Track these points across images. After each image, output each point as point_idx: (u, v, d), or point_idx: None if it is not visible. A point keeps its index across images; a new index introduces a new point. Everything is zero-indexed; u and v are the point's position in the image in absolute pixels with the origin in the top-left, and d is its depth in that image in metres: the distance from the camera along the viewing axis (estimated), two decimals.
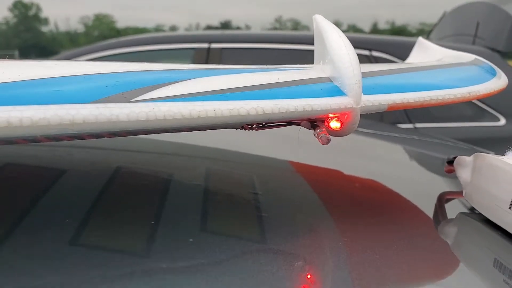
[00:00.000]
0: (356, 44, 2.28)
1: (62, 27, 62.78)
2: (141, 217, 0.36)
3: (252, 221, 0.37)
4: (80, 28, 61.13)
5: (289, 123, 0.36)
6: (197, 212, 0.37)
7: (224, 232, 0.35)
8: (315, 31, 0.40)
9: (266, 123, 0.35)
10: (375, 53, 2.03)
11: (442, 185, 0.50)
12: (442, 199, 0.45)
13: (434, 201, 0.43)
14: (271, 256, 0.31)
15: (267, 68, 0.36)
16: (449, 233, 0.40)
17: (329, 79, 0.34)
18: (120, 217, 0.36)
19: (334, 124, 0.34)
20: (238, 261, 0.30)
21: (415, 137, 0.90)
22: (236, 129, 0.35)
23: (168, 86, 0.28)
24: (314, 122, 0.35)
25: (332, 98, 0.33)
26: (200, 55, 2.09)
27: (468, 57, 0.51)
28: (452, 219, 0.42)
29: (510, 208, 0.34)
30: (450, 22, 2.60)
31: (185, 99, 0.28)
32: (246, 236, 0.34)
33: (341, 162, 0.52)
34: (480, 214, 0.39)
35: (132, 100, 0.26)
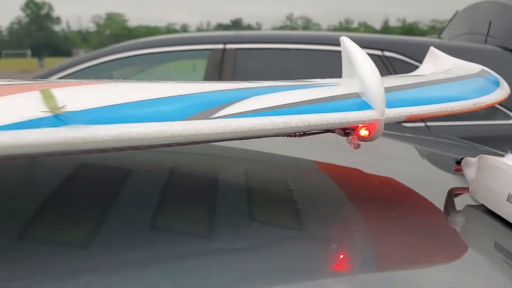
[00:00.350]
0: (368, 44, 2.30)
1: (74, 26, 63.25)
2: (202, 208, 0.43)
3: (290, 212, 0.44)
4: (92, 27, 61.52)
5: (326, 130, 0.42)
6: (246, 204, 0.45)
7: (267, 220, 0.41)
8: (342, 51, 0.45)
9: (307, 131, 0.42)
10: (387, 53, 2.05)
11: (451, 182, 0.56)
12: (451, 194, 0.51)
13: (444, 195, 0.49)
14: (309, 240, 0.38)
15: (307, 84, 0.43)
16: (457, 221, 0.46)
17: (357, 95, 0.41)
18: (188, 208, 0.43)
19: (363, 132, 0.41)
20: (282, 243, 0.37)
21: (425, 137, 0.96)
22: (283, 136, 0.41)
23: (234, 104, 0.35)
24: (346, 130, 0.42)
25: (362, 111, 0.40)
26: (215, 55, 2.13)
27: (476, 68, 0.57)
28: (460, 210, 0.48)
29: (507, 200, 0.40)
30: (462, 21, 2.61)
31: (249, 115, 0.35)
32: (285, 224, 0.41)
33: (360, 161, 0.58)
34: (483, 206, 0.45)
35: (211, 117, 0.34)
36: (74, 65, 2.18)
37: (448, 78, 0.53)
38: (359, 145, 0.40)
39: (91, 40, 52.63)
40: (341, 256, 0.36)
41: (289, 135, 0.42)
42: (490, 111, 1.91)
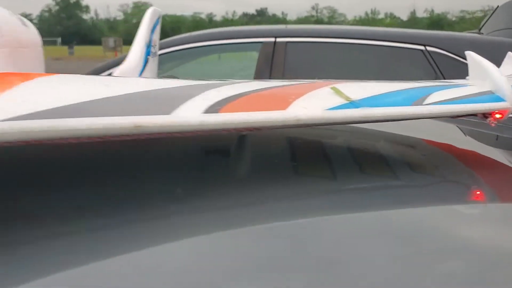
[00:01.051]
0: (411, 39, 2.37)
1: (102, 15, 63.91)
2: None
3: (430, 166, 0.61)
4: (120, 16, 62.07)
5: (471, 114, 0.59)
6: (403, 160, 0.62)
7: (418, 170, 0.59)
8: (470, 62, 0.64)
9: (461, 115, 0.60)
10: (429, 48, 2.16)
11: None
12: None
13: None
14: (446, 182, 0.55)
15: (450, 84, 0.61)
16: None
17: (491, 92, 0.58)
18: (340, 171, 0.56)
19: (498, 116, 0.57)
20: (429, 186, 0.53)
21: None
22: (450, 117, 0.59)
23: (428, 96, 0.53)
24: (485, 115, 0.58)
25: (497, 103, 0.56)
26: (267, 48, 2.27)
27: None
28: None
29: None
30: (502, 16, 2.65)
31: (438, 103, 0.52)
32: (425, 172, 0.58)
33: (449, 141, 0.76)
34: None
35: (422, 104, 0.51)
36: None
37: None
38: (495, 124, 0.58)
39: (118, 28, 53.20)
40: (478, 192, 0.53)
41: (453, 116, 0.60)
42: None
